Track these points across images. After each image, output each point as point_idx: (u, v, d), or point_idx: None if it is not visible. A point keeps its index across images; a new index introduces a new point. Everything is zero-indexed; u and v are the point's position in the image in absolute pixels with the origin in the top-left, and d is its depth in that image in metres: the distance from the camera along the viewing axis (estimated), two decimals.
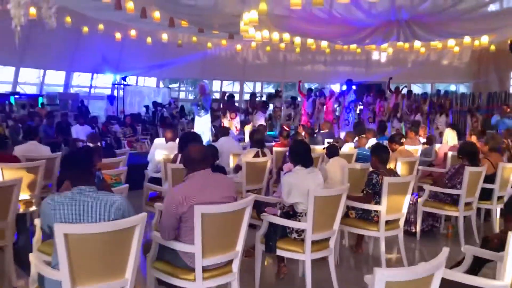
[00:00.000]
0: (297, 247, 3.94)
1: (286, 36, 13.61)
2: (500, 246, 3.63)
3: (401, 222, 4.69)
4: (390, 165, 6.22)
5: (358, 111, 14.45)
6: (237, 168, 6.07)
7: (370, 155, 4.86)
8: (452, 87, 18.62)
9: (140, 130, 13.03)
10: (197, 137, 5.59)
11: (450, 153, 6.83)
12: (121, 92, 16.84)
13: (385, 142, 8.56)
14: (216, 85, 19.93)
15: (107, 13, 13.40)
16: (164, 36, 15.12)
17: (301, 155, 4.16)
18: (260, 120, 10.84)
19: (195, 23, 13.57)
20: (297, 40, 14.23)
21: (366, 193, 4.55)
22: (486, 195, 5.60)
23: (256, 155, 6.05)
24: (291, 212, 4.13)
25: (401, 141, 6.41)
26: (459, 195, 5.30)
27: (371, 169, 4.77)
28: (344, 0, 9.25)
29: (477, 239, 5.48)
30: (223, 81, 19.91)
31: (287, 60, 19.35)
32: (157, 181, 5.95)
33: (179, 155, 5.43)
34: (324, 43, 14.93)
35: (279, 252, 4.02)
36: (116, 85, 16.78)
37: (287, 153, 4.30)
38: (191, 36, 16.13)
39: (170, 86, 20.50)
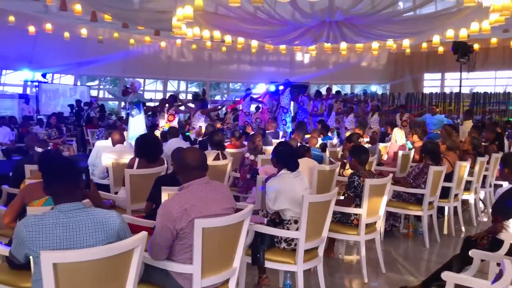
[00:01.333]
0: (288, 258, 3.66)
1: (217, 34, 13.27)
2: (490, 246, 3.63)
3: (378, 225, 4.59)
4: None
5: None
6: None
7: (349, 156, 4.71)
8: (373, 88, 19.44)
9: (65, 131, 11.94)
10: (157, 140, 5.10)
11: (400, 152, 6.95)
12: (34, 91, 15.37)
13: (329, 142, 8.66)
14: None
15: (19, 3, 12.19)
16: (83, 31, 14.10)
17: (287, 158, 3.88)
18: (200, 121, 10.38)
19: (120, 18, 12.76)
20: (228, 38, 13.93)
21: (347, 196, 4.39)
22: (443, 193, 5.71)
23: (216, 158, 5.67)
24: (277, 220, 3.84)
25: (359, 140, 6.37)
26: (423, 194, 5.35)
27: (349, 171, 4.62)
28: None
29: (438, 238, 5.58)
30: (146, 79, 19.03)
31: (212, 59, 18.99)
32: (103, 188, 5.35)
33: (137, 159, 4.91)
34: (253, 43, 14.79)
35: (267, 264, 3.70)
36: (29, 83, 15.28)
37: (271, 156, 3.99)
38: (112, 31, 15.22)
39: (88, 84, 19.17)
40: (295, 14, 11.10)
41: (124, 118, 15.07)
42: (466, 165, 5.84)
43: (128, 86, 13.49)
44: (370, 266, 4.57)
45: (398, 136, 7.37)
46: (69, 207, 2.32)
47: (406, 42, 14.51)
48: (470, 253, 3.14)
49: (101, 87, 19.99)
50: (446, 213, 6.09)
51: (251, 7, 10.87)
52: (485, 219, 6.66)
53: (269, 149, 7.18)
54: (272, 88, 15.76)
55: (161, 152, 5.05)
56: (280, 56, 18.94)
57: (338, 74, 19.77)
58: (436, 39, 13.70)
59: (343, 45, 15.17)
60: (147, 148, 4.91)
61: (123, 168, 5.05)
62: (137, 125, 8.85)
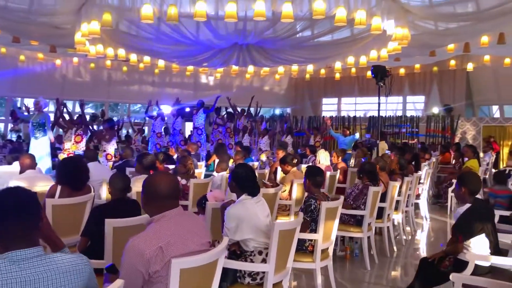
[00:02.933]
0: None
1: (122, 52, 12.56)
2: (454, 268, 3.61)
3: (331, 250, 4.41)
4: (286, 188, 6.00)
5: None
6: None
7: (304, 177, 4.48)
8: (277, 111, 19.84)
9: None
10: (83, 164, 4.44)
11: (328, 173, 6.95)
12: None
13: (255, 164, 8.45)
14: (31, 103, 17.26)
15: None
16: None
17: (248, 182, 3.53)
18: (113, 144, 9.49)
19: (11, 31, 11.48)
20: (133, 57, 13.24)
21: (304, 220, 4.14)
22: (377, 214, 5.75)
23: None
24: (238, 252, 3.46)
25: (293, 161, 6.22)
26: (362, 216, 5.31)
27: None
28: (201, 18, 8.77)
29: (376, 259, 5.57)
30: None
31: (112, 79, 17.95)
32: None
33: (59, 187, 4.21)
34: (160, 63, 14.24)
35: None
36: None
37: (229, 180, 3.61)
38: (0, 46, 13.68)
39: None
40: (208, 34, 10.86)
41: (15, 140, 13.55)
42: (397, 185, 5.97)
43: (18, 107, 12.12)
44: None
45: (322, 157, 7.39)
46: (24, 254, 1.76)
47: (310, 67, 15.03)
48: (451, 277, 3.04)
49: None
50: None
51: (163, 25, 10.47)
52: (409, 238, 6.87)
53: (197, 172, 6.77)
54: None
55: (88, 179, 4.41)
56: (184, 77, 18.59)
57: (242, 97, 19.88)
58: (338, 65, 14.39)
59: (250, 68, 15.28)
60: (72, 174, 4.26)
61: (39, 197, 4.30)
62: (40, 148, 7.86)
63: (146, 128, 18.44)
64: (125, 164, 6.99)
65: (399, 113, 18.36)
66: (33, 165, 5.05)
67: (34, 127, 8.05)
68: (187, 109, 16.05)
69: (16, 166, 5.47)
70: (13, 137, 15.20)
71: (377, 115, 16.99)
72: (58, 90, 16.94)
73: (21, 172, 5.01)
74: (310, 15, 8.85)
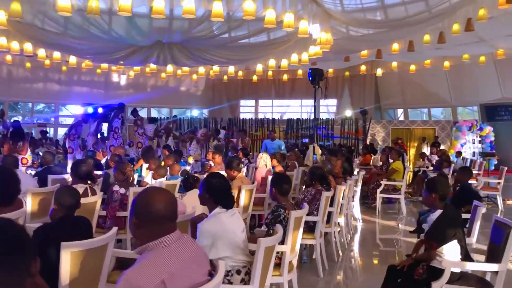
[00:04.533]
0: None
1: (29, 47, 11.41)
2: (428, 276, 3.58)
3: (295, 262, 4.20)
4: (234, 194, 5.69)
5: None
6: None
7: (271, 185, 4.20)
8: (195, 113, 19.35)
9: None
10: (13, 175, 3.77)
11: (270, 178, 6.77)
12: None
13: (187, 168, 8.02)
14: None
15: None
16: None
17: (222, 193, 3.20)
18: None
19: None
20: (41, 53, 12.08)
21: (273, 232, 3.86)
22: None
23: (84, 193, 4.51)
24: (213, 272, 3.10)
25: (239, 166, 5.92)
26: (315, 222, 5.20)
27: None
28: (126, 13, 8.17)
29: (326, 265, 5.48)
30: None
31: (12, 76, 16.29)
32: None
33: None
34: (71, 59, 13.15)
35: None
36: None
37: (200, 192, 3.23)
38: None
39: None
40: (131, 31, 10.19)
41: None
42: (343, 188, 5.94)
43: None
44: None
45: (264, 161, 7.17)
46: None
47: (231, 69, 14.89)
48: (433, 286, 2.97)
49: None
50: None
51: (79, 19, 9.63)
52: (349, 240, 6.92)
53: None
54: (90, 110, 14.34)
55: (19, 191, 3.76)
56: (94, 76, 17.45)
57: (157, 98, 19.19)
58: (259, 67, 14.37)
59: (169, 68, 14.73)
60: (0, 186, 3.60)
61: None
62: None
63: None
64: (46, 171, 6.23)
65: (312, 116, 18.86)
66: None
67: None
68: (100, 110, 15.04)
69: None
70: None
71: (296, 118, 17.36)
72: None
73: None
74: (240, 15, 8.68)
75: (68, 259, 2.66)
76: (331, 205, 5.69)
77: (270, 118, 18.35)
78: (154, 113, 20.33)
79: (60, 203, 3.12)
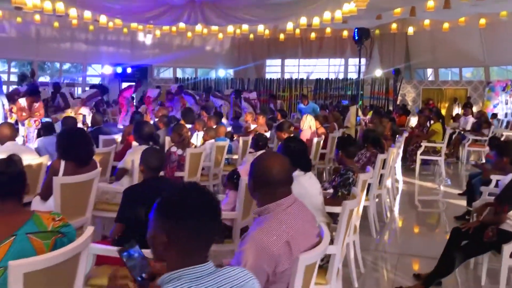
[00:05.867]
0: (320, 279, 3.04)
1: (60, 6, 11.34)
2: (498, 239, 3.59)
3: (358, 224, 4.25)
4: None
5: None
6: (122, 173, 4.52)
7: (336, 148, 4.21)
8: (221, 73, 19.22)
9: None
10: (87, 136, 3.85)
11: (315, 140, 6.78)
12: None
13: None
14: None
15: None
16: None
17: (300, 156, 3.22)
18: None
19: None
20: (72, 13, 12.01)
21: (341, 194, 3.90)
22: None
23: None
24: None
25: (290, 129, 5.91)
26: (369, 184, 5.21)
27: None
28: None
29: (378, 227, 5.53)
30: None
31: (41, 36, 16.31)
32: None
33: (62, 162, 3.63)
34: (102, 19, 13.05)
35: None
36: None
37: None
38: None
39: None
40: None
41: None
42: (394, 151, 5.93)
43: None
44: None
45: (308, 123, 7.15)
46: (201, 270, 1.37)
47: (270, 26, 14.59)
48: (504, 248, 2.98)
49: None
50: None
51: None
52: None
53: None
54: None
55: (93, 152, 3.85)
56: (120, 35, 17.38)
57: (182, 58, 19.07)
58: (289, 25, 14.12)
59: (198, 27, 14.57)
60: (76, 147, 3.68)
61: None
62: None
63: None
64: (97, 132, 6.33)
65: (341, 76, 18.60)
66: (13, 135, 4.34)
67: None
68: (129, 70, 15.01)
69: None
70: None
71: (325, 78, 16.99)
72: None
73: (1, 143, 4.28)
74: None
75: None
76: (382, 167, 5.70)
77: (297, 78, 18.14)
78: (179, 73, 20.30)
79: (146, 165, 3.18)
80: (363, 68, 19.13)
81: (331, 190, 4.10)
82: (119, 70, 14.75)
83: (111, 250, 2.76)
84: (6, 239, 2.07)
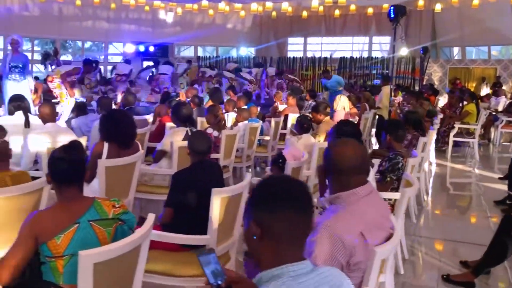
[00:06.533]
0: None
1: None
2: None
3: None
4: (320, 139, 5.62)
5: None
6: (160, 155, 4.46)
7: (383, 132, 4.08)
8: (242, 51, 18.99)
9: None
10: (130, 118, 3.79)
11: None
12: None
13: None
14: None
15: None
16: None
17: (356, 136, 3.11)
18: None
19: None
20: None
21: (389, 180, 3.78)
22: None
23: (186, 138, 4.52)
24: None
25: (326, 110, 5.77)
26: None
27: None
28: None
29: (416, 210, 5.42)
30: None
31: (63, 14, 16.25)
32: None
33: (106, 144, 3.57)
34: None
35: None
36: None
37: (330, 138, 3.16)
38: None
39: None
40: None
41: None
42: (434, 133, 5.77)
43: None
44: None
45: (342, 103, 6.99)
46: (301, 268, 1.30)
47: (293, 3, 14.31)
48: None
49: None
50: None
51: None
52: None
53: None
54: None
55: (136, 135, 3.79)
56: (142, 13, 17.26)
57: (203, 36, 18.86)
58: (314, 2, 13.82)
59: (222, 5, 14.35)
60: (120, 129, 3.62)
61: None
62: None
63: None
64: (129, 112, 6.27)
65: (365, 54, 18.23)
66: (54, 116, 4.30)
67: (11, 68, 6.99)
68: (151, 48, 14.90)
69: (19, 116, 4.68)
70: None
71: (349, 57, 16.66)
72: (1, 25, 15.22)
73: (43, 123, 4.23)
74: None
75: (218, 204, 2.67)
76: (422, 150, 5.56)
77: (321, 56, 17.81)
78: (199, 52, 20.14)
79: (193, 149, 3.10)
80: (383, 47, 18.76)
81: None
82: (141, 48, 14.67)
83: (167, 236, 2.72)
84: (69, 227, 2.02)
